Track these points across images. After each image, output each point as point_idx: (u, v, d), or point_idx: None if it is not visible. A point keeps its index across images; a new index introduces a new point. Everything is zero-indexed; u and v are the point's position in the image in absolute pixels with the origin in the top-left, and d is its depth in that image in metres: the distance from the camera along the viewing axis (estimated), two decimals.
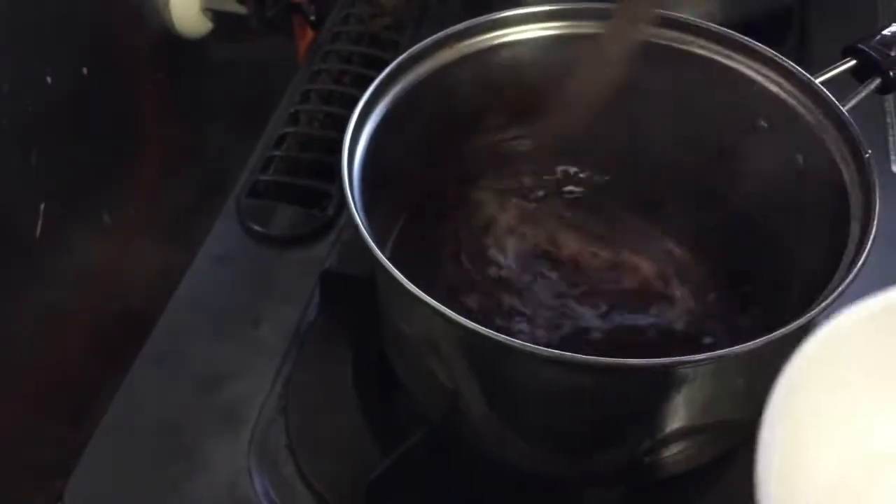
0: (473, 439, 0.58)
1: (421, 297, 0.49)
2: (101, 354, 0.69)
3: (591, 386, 0.52)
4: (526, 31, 0.63)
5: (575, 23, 0.63)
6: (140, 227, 0.73)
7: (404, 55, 0.59)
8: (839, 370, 0.51)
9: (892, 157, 0.80)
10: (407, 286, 0.49)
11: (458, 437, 0.58)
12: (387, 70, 0.58)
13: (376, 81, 0.58)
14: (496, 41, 0.62)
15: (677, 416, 0.54)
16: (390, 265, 0.50)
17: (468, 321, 0.48)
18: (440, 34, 0.61)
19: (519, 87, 0.64)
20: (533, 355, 0.49)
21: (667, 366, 0.51)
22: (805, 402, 0.50)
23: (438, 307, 0.48)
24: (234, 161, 0.82)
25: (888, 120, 0.82)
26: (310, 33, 0.91)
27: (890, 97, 0.84)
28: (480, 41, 0.62)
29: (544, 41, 0.63)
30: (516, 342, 0.49)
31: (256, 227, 0.75)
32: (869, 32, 0.64)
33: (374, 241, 0.51)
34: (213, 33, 0.80)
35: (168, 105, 0.78)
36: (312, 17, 0.86)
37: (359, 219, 0.52)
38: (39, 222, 0.63)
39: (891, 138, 0.81)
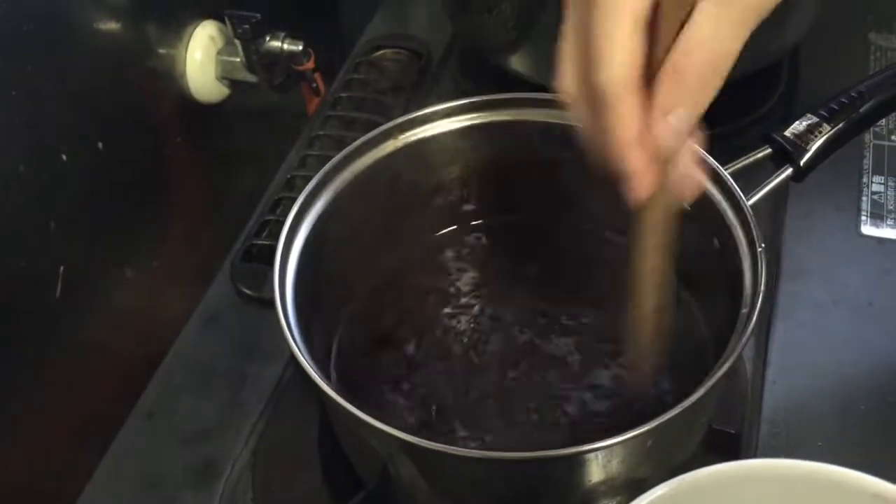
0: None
1: (340, 402, 0.54)
2: (120, 401, 0.75)
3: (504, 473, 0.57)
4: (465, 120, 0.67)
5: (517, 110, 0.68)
6: (150, 288, 0.79)
7: (327, 166, 0.64)
8: None
9: (863, 219, 0.81)
10: (325, 390, 0.55)
11: (391, 501, 0.63)
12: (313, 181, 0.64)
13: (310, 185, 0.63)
14: (432, 132, 0.67)
15: (587, 483, 0.58)
16: (309, 367, 0.55)
17: (381, 424, 0.53)
18: (381, 128, 0.66)
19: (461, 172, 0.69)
20: (445, 454, 0.54)
21: (571, 455, 0.55)
22: None
23: (354, 412, 0.54)
24: (242, 222, 0.88)
25: (864, 180, 0.84)
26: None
27: (870, 157, 0.85)
28: (419, 132, 0.67)
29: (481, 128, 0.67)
30: (432, 445, 0.54)
31: (246, 290, 0.80)
32: (859, 78, 0.69)
33: (296, 330, 0.57)
34: (228, 97, 0.86)
35: (187, 166, 0.84)
36: (315, 85, 0.91)
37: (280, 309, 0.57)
38: (59, 284, 0.70)
39: (864, 199, 0.82)
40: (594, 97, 0.47)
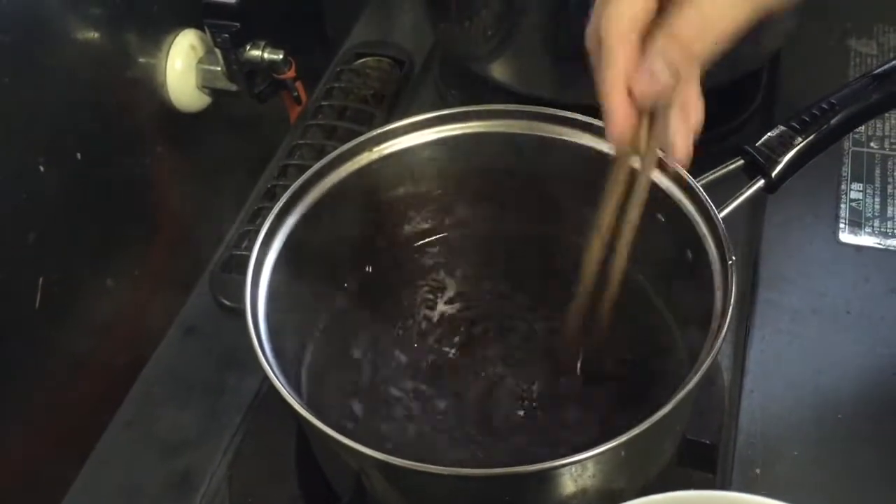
0: None
1: (311, 420, 0.54)
2: (100, 411, 0.75)
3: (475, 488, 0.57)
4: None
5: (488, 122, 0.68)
6: (130, 298, 0.80)
7: (306, 175, 0.64)
8: None
9: (841, 227, 0.81)
10: (297, 408, 0.55)
11: None
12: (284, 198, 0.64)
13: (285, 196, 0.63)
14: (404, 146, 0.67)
15: (561, 496, 0.58)
16: (282, 387, 0.55)
17: (352, 442, 0.54)
18: (356, 141, 0.66)
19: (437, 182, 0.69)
20: (415, 471, 0.54)
21: (543, 470, 0.55)
22: None
23: (325, 429, 0.54)
24: (223, 232, 0.88)
25: (843, 187, 0.84)
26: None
27: (848, 164, 0.85)
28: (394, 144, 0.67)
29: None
30: (402, 462, 0.54)
31: (226, 301, 0.80)
32: (839, 85, 0.69)
33: (267, 344, 0.57)
34: (209, 106, 0.86)
35: (168, 175, 0.84)
36: (296, 94, 0.92)
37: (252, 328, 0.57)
38: (38, 295, 0.70)
39: (843, 206, 0.82)
40: (598, 43, 0.52)
